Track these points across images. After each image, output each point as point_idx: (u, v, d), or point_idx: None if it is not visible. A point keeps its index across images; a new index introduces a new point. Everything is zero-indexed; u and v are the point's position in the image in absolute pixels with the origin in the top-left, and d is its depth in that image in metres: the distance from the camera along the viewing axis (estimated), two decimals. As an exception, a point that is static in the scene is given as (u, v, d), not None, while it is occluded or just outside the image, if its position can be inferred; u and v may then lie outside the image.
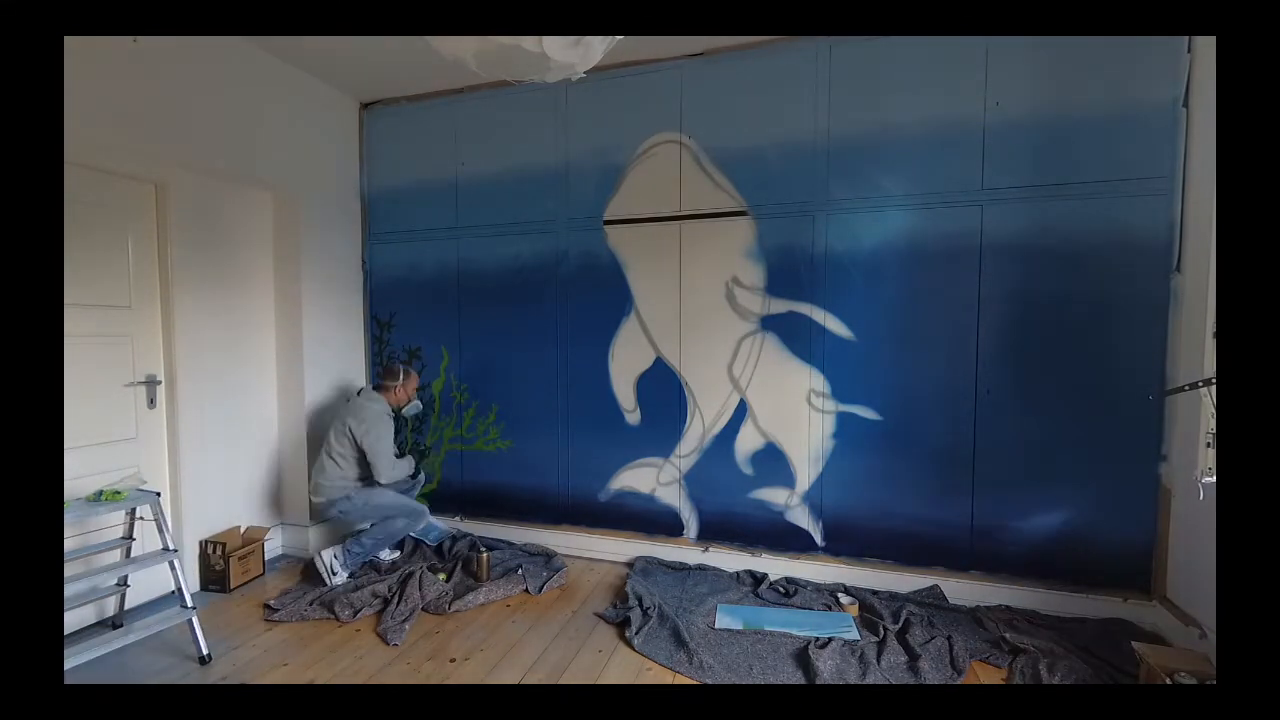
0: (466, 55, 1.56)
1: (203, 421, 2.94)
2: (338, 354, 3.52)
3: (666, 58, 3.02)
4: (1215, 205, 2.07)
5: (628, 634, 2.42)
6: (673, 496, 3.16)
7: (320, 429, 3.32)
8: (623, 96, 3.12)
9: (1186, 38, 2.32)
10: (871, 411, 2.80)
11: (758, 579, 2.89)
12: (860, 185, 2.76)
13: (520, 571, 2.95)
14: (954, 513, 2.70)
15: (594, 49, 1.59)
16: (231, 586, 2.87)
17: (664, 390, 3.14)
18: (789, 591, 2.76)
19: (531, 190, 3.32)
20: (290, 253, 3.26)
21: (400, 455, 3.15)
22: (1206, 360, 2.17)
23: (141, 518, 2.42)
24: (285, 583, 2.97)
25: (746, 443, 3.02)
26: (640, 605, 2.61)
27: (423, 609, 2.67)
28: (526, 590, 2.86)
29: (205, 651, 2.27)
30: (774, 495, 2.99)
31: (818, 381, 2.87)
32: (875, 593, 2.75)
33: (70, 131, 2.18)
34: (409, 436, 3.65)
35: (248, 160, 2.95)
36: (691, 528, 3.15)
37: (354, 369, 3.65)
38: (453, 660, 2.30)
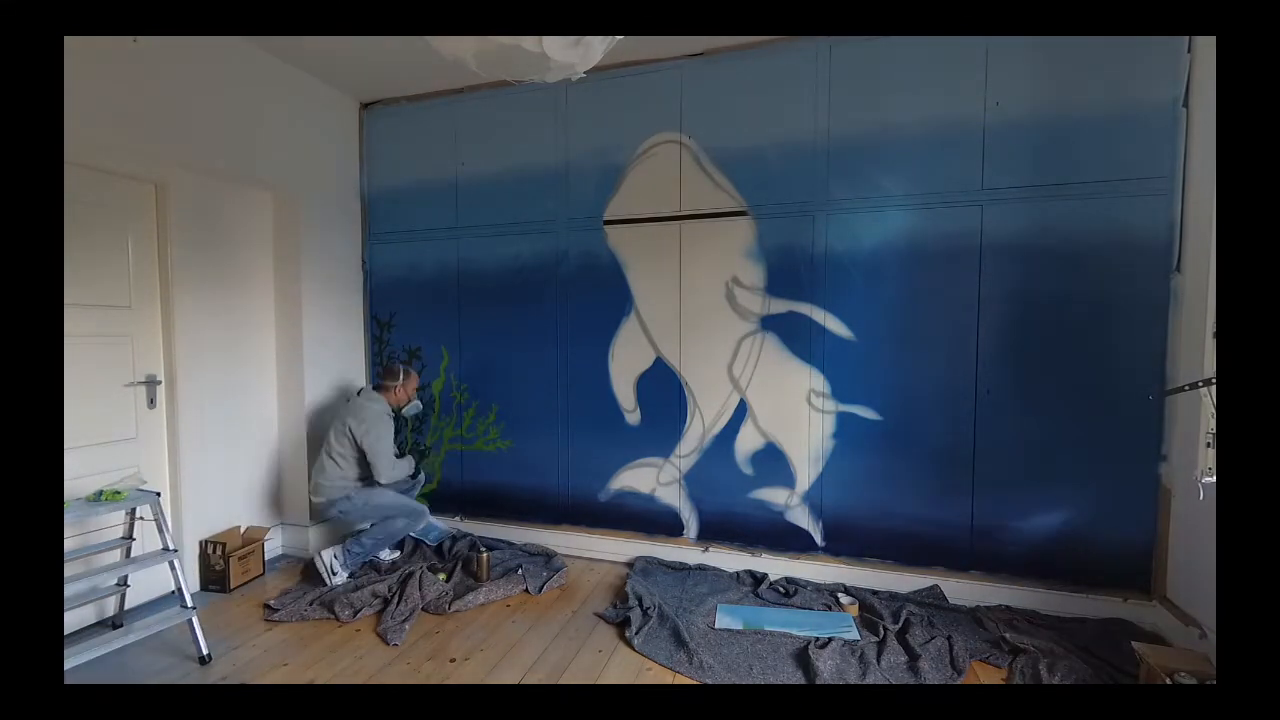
0: (466, 55, 1.56)
1: (203, 421, 2.94)
2: (338, 354, 3.52)
3: (666, 58, 3.02)
4: (1215, 205, 2.07)
5: (628, 634, 2.42)
6: (673, 496, 3.16)
7: (320, 429, 3.32)
8: (623, 96, 3.12)
9: (1186, 38, 2.32)
10: (871, 411, 2.80)
11: (758, 579, 2.89)
12: (860, 185, 2.76)
13: (520, 571, 2.95)
14: (954, 513, 2.70)
15: (594, 49, 1.59)
16: (231, 586, 2.87)
17: (664, 390, 3.14)
18: (789, 591, 2.76)
19: (531, 190, 3.32)
20: (290, 253, 3.26)
21: (400, 455, 3.15)
22: (1206, 360, 2.17)
23: (141, 518, 2.42)
24: (285, 583, 2.97)
25: (746, 443, 3.02)
26: (640, 605, 2.61)
27: (423, 609, 2.67)
28: (526, 590, 2.86)
29: (205, 651, 2.27)
30: (774, 495, 2.99)
31: (818, 381, 2.87)
32: (875, 593, 2.75)
33: (70, 131, 2.18)
34: (409, 436, 3.65)
35: (248, 160, 2.95)
36: (691, 528, 3.15)
37: (354, 369, 3.65)
38: (453, 660, 2.30)
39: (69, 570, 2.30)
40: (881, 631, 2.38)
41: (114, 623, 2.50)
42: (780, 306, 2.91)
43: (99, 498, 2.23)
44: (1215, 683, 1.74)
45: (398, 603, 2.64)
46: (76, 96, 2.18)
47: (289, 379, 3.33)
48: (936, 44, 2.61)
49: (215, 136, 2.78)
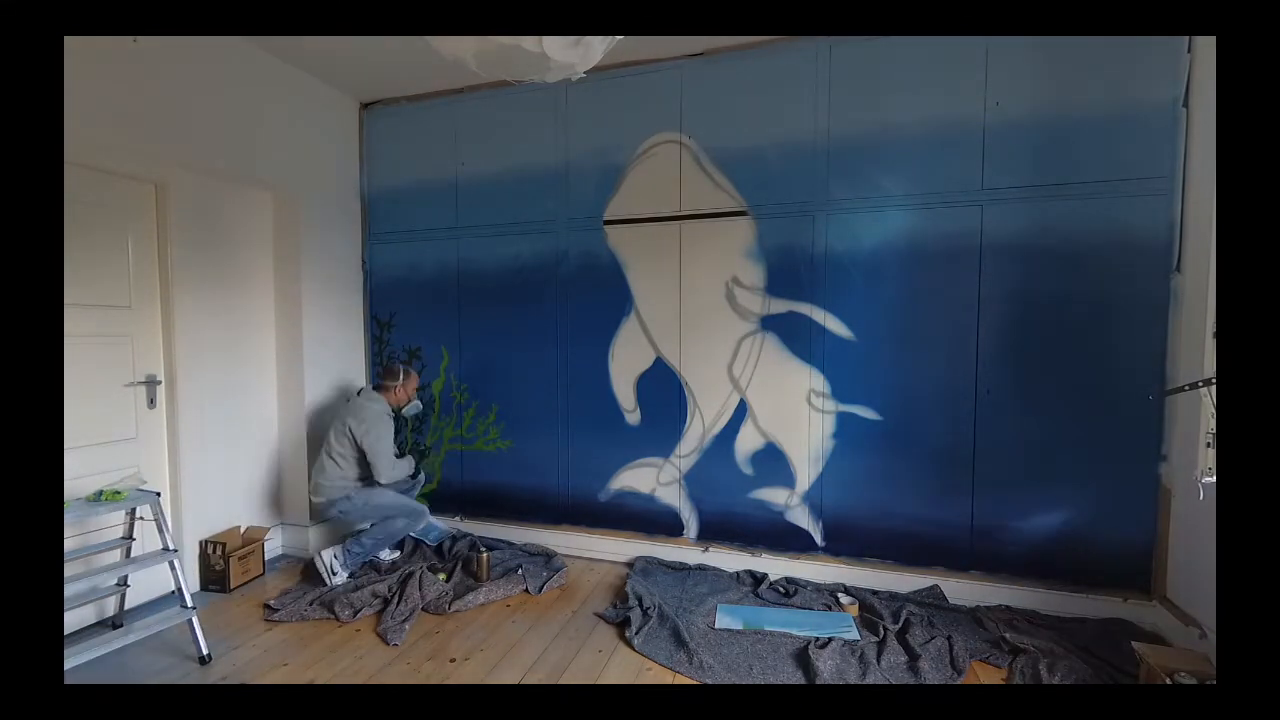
0: (466, 55, 1.56)
1: (203, 421, 2.94)
2: (338, 354, 3.52)
3: (666, 58, 3.02)
4: (1215, 205, 2.07)
5: (628, 634, 2.42)
6: (673, 496, 3.16)
7: (320, 429, 3.32)
8: (623, 96, 3.12)
9: (1186, 38, 2.32)
10: (871, 411, 2.80)
11: (758, 579, 2.89)
12: (860, 185, 2.76)
13: (520, 571, 2.95)
14: (954, 513, 2.70)
15: (594, 49, 1.59)
16: (231, 586, 2.87)
17: (664, 390, 3.14)
18: (789, 591, 2.76)
19: (531, 190, 3.32)
20: (290, 253, 3.26)
21: (400, 455, 3.15)
22: (1206, 360, 2.17)
23: (141, 518, 2.42)
24: (285, 583, 2.97)
25: (746, 443, 3.02)
26: (640, 605, 2.61)
27: (423, 609, 2.67)
28: (526, 590, 2.86)
29: (205, 651, 2.27)
30: (774, 495, 2.99)
31: (818, 381, 2.87)
32: (875, 593, 2.75)
33: (70, 131, 2.18)
34: (409, 436, 3.65)
35: (248, 160, 2.95)
36: (691, 528, 3.15)
37: (354, 369, 3.65)
38: (453, 660, 2.30)
39: (69, 570, 2.30)
40: (881, 631, 2.38)
41: (114, 623, 2.50)
42: (780, 306, 2.91)
43: (99, 498, 2.23)
44: (1215, 683, 1.74)
45: (398, 603, 2.64)
46: (76, 96, 2.18)
47: (289, 379, 3.33)
48: (936, 44, 2.61)
49: (215, 136, 2.78)
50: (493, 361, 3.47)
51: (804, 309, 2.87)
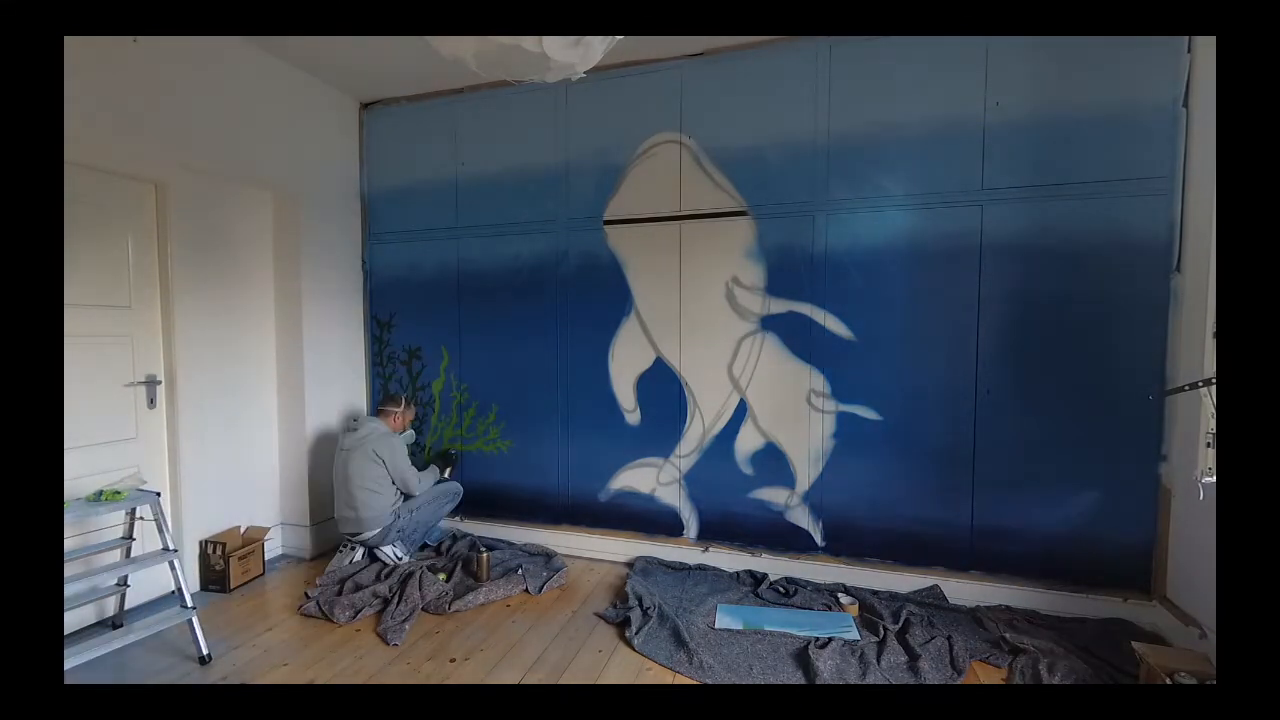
0: (466, 55, 1.56)
1: (203, 421, 2.94)
2: (337, 354, 3.52)
3: (666, 58, 3.02)
4: (1215, 205, 2.07)
5: (628, 634, 2.42)
6: (673, 496, 3.16)
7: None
8: (623, 96, 3.12)
9: (1186, 38, 2.32)
10: (871, 411, 2.80)
11: (758, 579, 2.89)
12: (860, 185, 2.76)
13: (520, 571, 2.95)
14: (954, 513, 2.70)
15: (594, 49, 1.59)
16: (231, 586, 2.87)
17: (664, 390, 3.14)
18: (789, 591, 2.76)
19: (531, 190, 3.32)
20: (290, 253, 3.26)
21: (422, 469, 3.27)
22: (1206, 360, 2.17)
23: (141, 518, 2.42)
24: (291, 581, 2.99)
25: (746, 443, 3.02)
26: (640, 605, 2.61)
27: (423, 609, 2.67)
28: (526, 590, 2.86)
29: (205, 651, 2.27)
30: (774, 495, 2.99)
31: (818, 381, 2.87)
32: (875, 593, 2.75)
33: (70, 131, 2.18)
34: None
35: (248, 160, 2.95)
36: (691, 528, 3.15)
37: (354, 369, 3.65)
38: (453, 660, 2.30)
39: (69, 570, 2.30)
40: (881, 631, 2.38)
41: (114, 623, 2.50)
42: (780, 306, 2.91)
43: (99, 498, 2.23)
44: (1215, 683, 1.74)
45: (398, 603, 2.64)
46: (76, 96, 2.18)
47: (289, 378, 3.33)
48: (936, 44, 2.61)
49: (215, 136, 2.78)
50: (492, 362, 3.47)
51: (804, 309, 2.87)
